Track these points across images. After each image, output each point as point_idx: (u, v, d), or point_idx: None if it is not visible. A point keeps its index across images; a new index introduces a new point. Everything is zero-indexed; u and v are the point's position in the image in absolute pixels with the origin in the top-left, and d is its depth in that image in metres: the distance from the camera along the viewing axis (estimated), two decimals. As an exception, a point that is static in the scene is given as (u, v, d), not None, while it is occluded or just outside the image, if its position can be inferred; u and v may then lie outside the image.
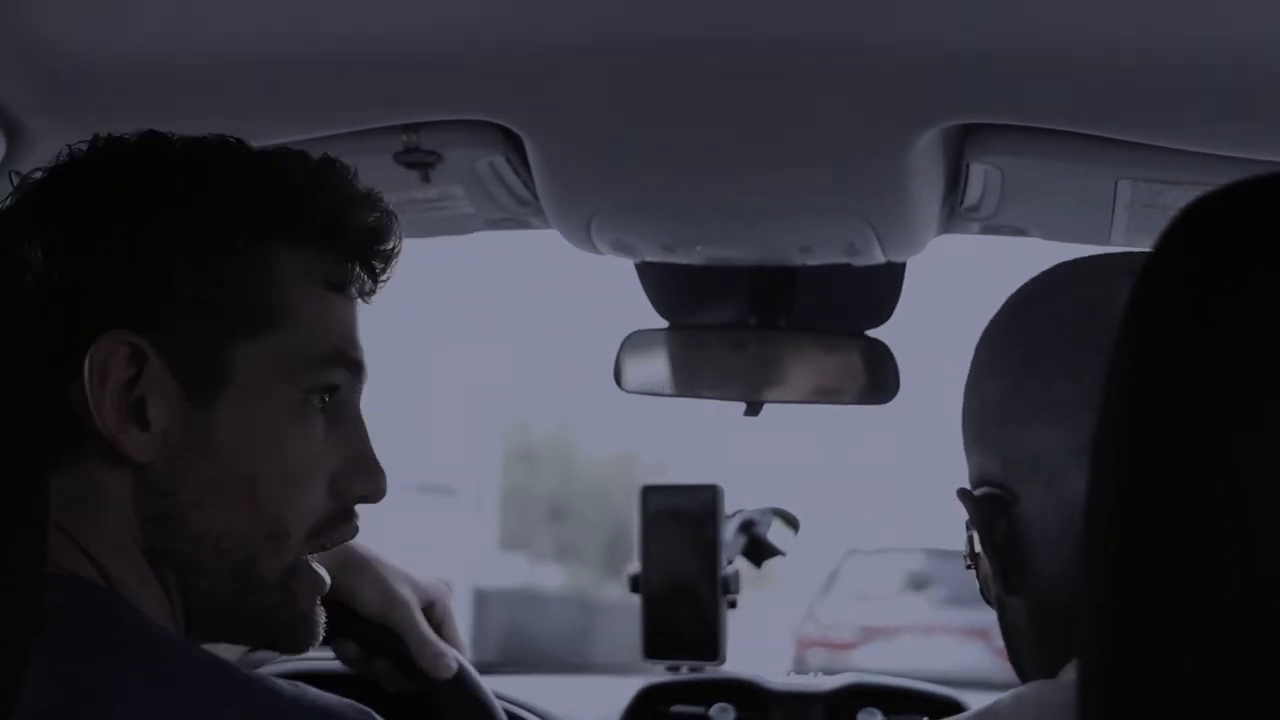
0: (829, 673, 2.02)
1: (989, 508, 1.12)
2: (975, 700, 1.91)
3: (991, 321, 1.17)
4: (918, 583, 12.38)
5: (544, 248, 1.84)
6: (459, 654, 1.49)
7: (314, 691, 1.03)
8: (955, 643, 11.22)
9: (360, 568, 1.44)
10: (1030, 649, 1.16)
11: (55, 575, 1.02)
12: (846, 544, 13.45)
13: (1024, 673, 1.17)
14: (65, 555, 1.06)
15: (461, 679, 1.60)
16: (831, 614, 12.10)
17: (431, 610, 1.46)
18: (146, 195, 1.09)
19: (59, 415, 1.06)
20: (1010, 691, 1.10)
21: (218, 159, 1.12)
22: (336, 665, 1.74)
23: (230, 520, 1.10)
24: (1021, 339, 1.12)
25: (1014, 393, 1.11)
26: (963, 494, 1.15)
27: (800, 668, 11.41)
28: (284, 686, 1.02)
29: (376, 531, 1.27)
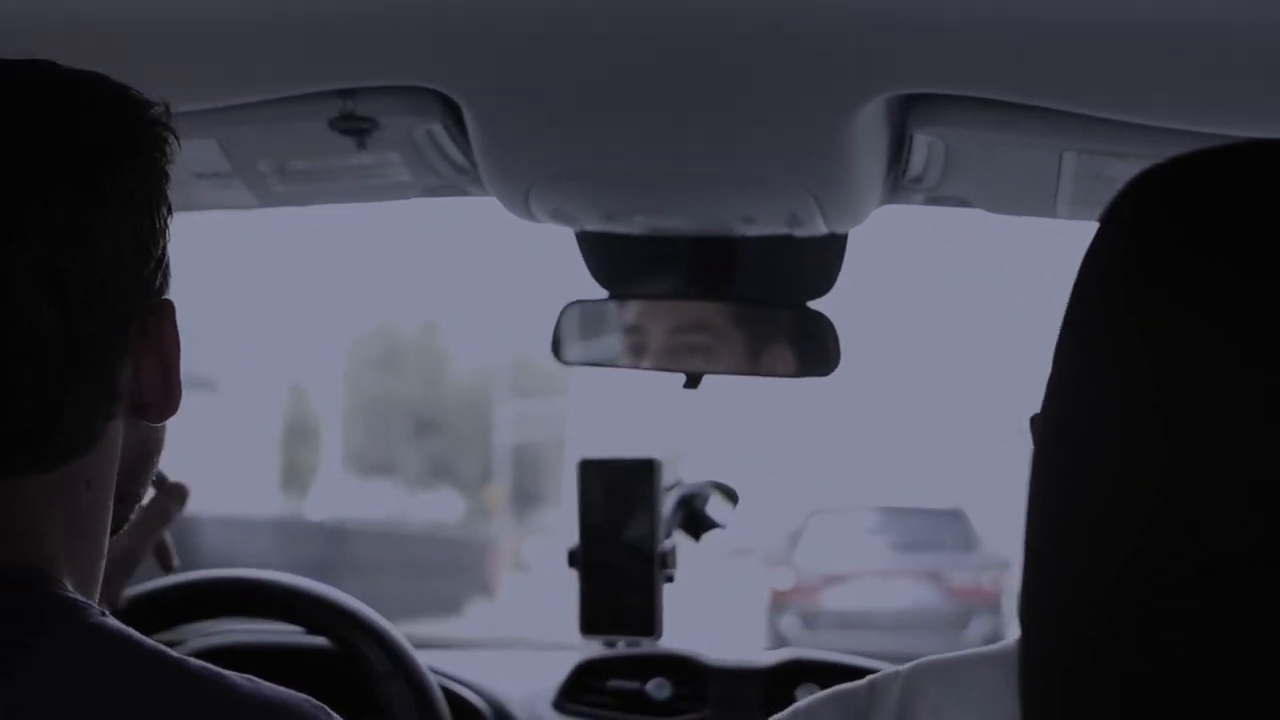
0: (803, 615, 2.03)
1: None
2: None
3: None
4: (872, 534, 14.50)
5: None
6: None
7: (269, 686, 0.99)
8: (909, 584, 13.18)
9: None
10: None
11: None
12: (807, 505, 16.18)
13: None
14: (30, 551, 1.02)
15: (400, 663, 1.58)
16: (802, 563, 14.33)
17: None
18: (130, 156, 1.05)
19: (110, 394, 1.03)
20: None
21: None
22: (259, 639, 1.72)
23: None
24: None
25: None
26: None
27: (776, 612, 14.06)
28: (237, 680, 0.98)
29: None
